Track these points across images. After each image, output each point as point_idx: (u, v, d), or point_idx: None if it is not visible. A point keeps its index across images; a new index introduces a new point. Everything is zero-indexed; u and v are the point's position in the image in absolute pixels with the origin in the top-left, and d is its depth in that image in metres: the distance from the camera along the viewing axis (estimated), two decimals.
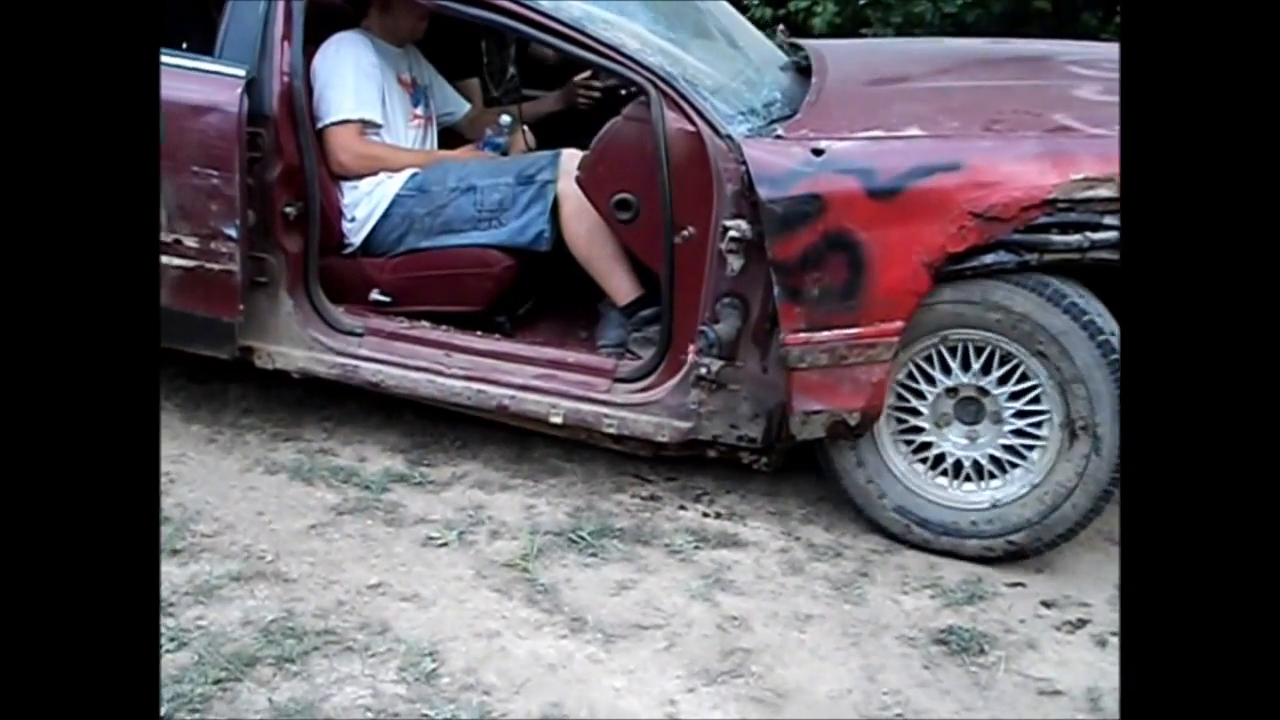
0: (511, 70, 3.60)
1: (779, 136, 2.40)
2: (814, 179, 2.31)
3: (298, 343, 2.73)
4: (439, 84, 3.22)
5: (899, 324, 2.32)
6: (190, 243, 2.62)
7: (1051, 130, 2.38)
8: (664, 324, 2.56)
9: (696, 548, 2.51)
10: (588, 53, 2.52)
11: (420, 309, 2.82)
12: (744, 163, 2.35)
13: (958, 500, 2.48)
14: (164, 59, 2.55)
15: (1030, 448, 2.41)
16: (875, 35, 5.64)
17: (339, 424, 2.96)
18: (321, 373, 2.75)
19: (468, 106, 3.30)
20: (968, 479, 2.48)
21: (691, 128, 2.43)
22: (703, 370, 2.46)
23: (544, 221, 2.75)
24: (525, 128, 3.14)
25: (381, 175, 2.85)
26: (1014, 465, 2.44)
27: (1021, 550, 2.45)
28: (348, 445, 2.86)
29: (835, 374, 2.36)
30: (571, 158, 2.76)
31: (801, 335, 2.35)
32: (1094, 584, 2.46)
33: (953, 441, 2.47)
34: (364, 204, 2.84)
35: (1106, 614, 2.37)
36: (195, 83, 2.58)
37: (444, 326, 2.76)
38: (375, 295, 2.84)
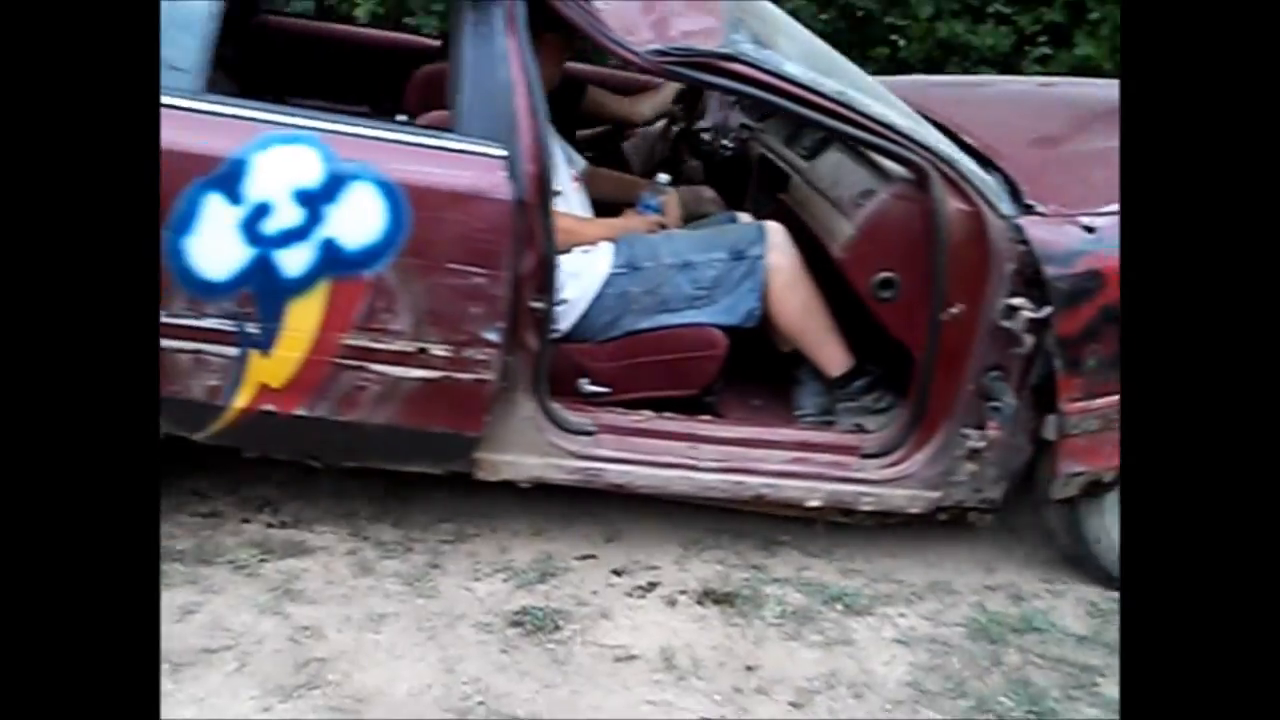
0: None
1: (1042, 214, 2.47)
2: (1094, 255, 2.40)
3: (533, 450, 2.43)
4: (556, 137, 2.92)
5: None
6: (439, 351, 2.26)
7: None
8: (918, 397, 2.56)
9: (262, 560, 2.44)
10: (855, 129, 2.42)
11: (639, 396, 2.60)
12: (1024, 242, 2.40)
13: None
14: (402, 136, 2.21)
15: None
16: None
17: None
18: (560, 479, 2.47)
19: (584, 164, 3.03)
20: None
21: (969, 208, 2.43)
22: (979, 444, 2.49)
23: (755, 299, 2.63)
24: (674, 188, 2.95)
25: (577, 252, 2.59)
26: None
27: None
28: None
29: (1100, 437, 2.48)
30: (776, 231, 2.67)
31: (1079, 404, 2.45)
32: (660, 548, 2.60)
33: None
34: (571, 285, 2.55)
35: (675, 575, 2.51)
36: (449, 164, 2.23)
37: (666, 414, 2.58)
38: (588, 386, 2.58)
